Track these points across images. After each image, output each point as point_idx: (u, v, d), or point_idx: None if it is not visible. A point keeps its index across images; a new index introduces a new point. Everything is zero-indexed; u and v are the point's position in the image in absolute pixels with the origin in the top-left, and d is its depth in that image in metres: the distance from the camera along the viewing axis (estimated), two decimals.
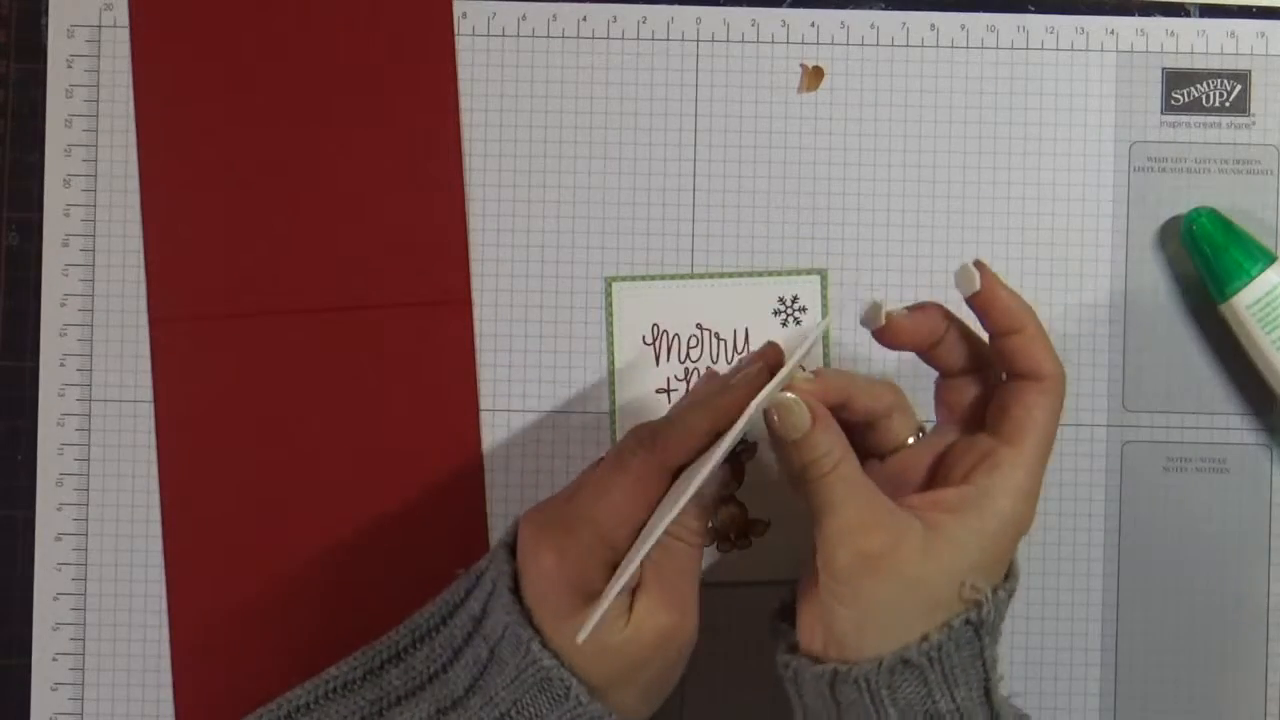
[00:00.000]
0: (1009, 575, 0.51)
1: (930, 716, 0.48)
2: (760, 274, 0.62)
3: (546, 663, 0.49)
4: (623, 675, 0.50)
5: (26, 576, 0.62)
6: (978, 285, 0.50)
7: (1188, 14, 0.62)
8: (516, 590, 0.51)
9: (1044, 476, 0.50)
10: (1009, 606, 0.50)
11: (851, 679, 0.48)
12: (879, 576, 0.48)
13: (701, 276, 0.62)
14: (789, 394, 0.49)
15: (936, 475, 0.51)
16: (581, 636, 0.46)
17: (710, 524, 0.53)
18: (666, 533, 0.49)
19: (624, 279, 0.62)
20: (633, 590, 0.51)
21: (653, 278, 0.62)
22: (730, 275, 0.62)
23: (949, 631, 0.48)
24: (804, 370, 0.51)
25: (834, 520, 0.49)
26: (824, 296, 0.62)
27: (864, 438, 0.53)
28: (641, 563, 0.49)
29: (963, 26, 0.62)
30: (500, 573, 0.52)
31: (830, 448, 0.49)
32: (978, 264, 0.51)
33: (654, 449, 0.50)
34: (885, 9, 0.62)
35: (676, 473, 0.51)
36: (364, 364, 0.61)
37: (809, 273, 0.62)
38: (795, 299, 0.62)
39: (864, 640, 0.48)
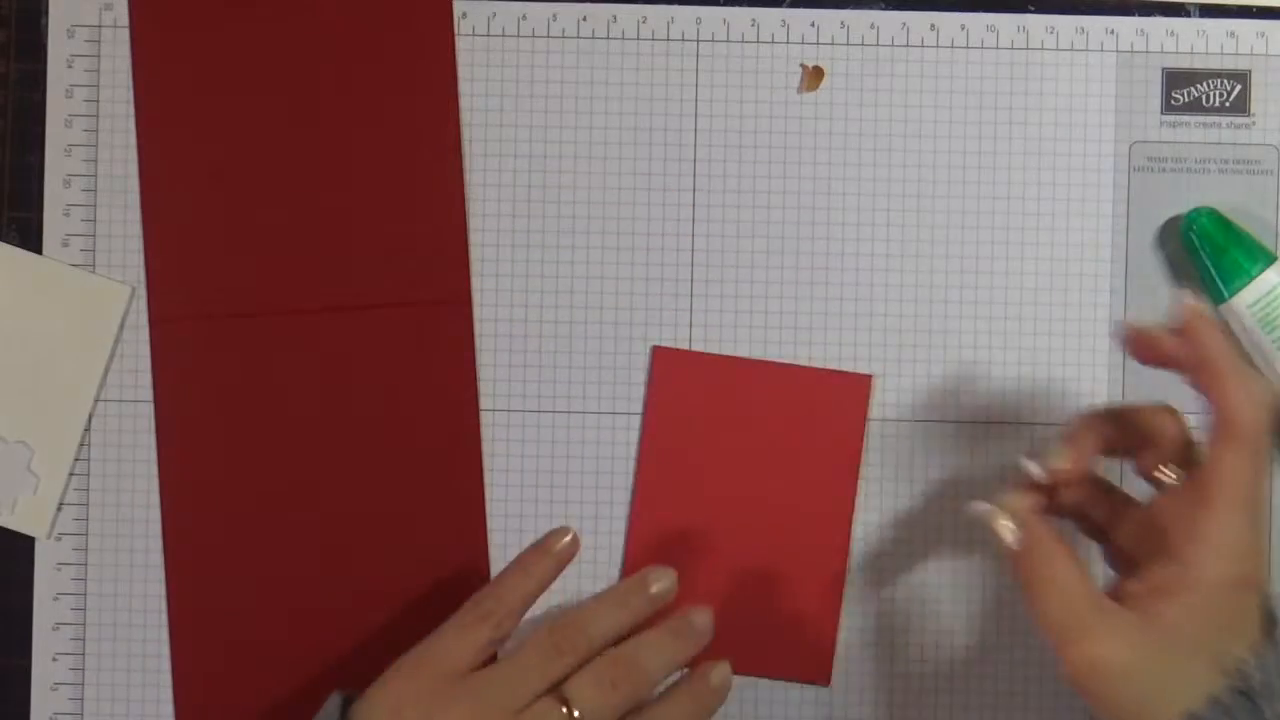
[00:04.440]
0: (1272, 631, 0.49)
1: None
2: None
3: None
4: None
5: (26, 576, 0.62)
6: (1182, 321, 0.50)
7: (1188, 14, 0.62)
8: None
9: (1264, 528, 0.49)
10: None
11: None
12: (1108, 683, 0.48)
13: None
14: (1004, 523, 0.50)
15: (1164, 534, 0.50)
16: None
17: None
18: None
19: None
20: None
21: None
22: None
23: (1216, 705, 0.47)
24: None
25: (1044, 625, 0.49)
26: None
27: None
28: None
29: (963, 26, 0.62)
30: None
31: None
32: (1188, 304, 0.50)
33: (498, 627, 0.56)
34: (885, 9, 0.62)
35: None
36: (364, 364, 0.61)
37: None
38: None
39: None
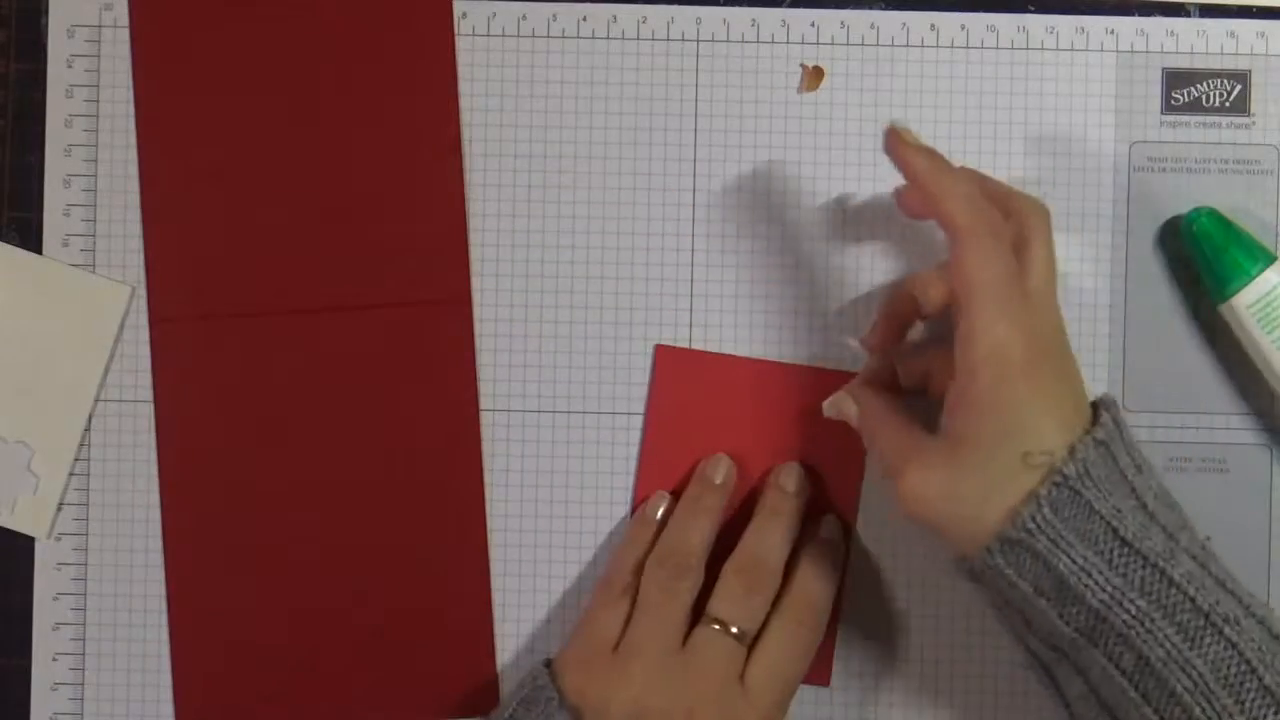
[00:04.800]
0: (1097, 418, 0.50)
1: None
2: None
3: None
4: None
5: (26, 576, 0.62)
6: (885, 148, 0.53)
7: (1188, 14, 0.62)
8: None
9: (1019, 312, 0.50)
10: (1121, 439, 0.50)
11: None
12: (932, 506, 0.51)
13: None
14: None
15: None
16: None
17: None
18: None
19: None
20: None
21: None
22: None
23: (1033, 499, 0.48)
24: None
25: (882, 473, 0.54)
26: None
27: None
28: None
29: (963, 26, 0.62)
30: None
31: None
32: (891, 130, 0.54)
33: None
34: (885, 9, 0.62)
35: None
36: (364, 364, 0.61)
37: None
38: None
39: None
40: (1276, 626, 0.49)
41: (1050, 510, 0.48)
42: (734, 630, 0.56)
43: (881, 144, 0.54)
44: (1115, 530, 0.48)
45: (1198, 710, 0.47)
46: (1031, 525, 0.48)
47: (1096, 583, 0.48)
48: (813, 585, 0.58)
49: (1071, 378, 0.52)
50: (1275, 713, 0.47)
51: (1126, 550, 0.48)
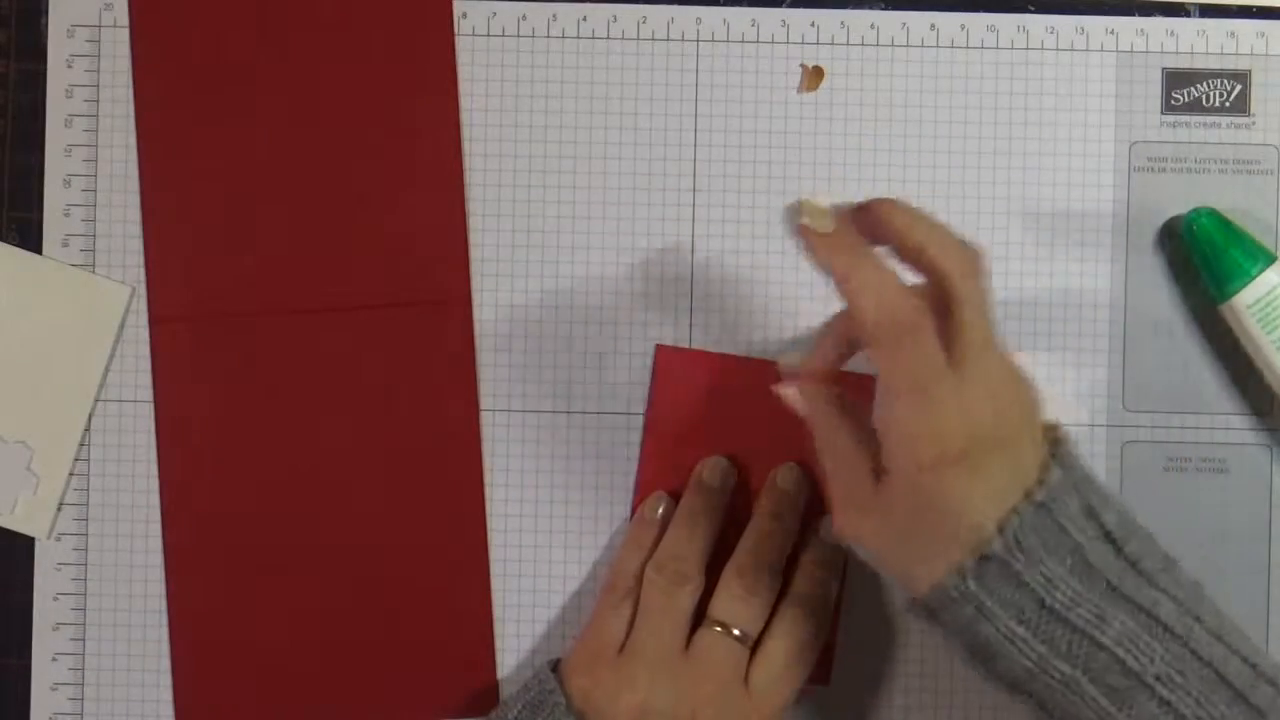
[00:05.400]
0: (1043, 478, 0.49)
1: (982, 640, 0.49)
2: None
3: None
4: None
5: (26, 576, 0.62)
6: (830, 225, 0.50)
7: (1188, 14, 0.62)
8: None
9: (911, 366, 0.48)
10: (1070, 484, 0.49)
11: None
12: (869, 556, 0.52)
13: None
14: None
15: None
16: None
17: None
18: None
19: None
20: None
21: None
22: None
23: (958, 572, 0.48)
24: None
25: (828, 491, 0.54)
26: None
27: None
28: None
29: (963, 26, 0.62)
30: None
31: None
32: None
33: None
34: (885, 9, 0.62)
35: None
36: (364, 364, 0.61)
37: None
38: None
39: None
40: (1231, 666, 0.48)
41: (975, 582, 0.48)
42: (736, 632, 0.56)
43: (791, 227, 0.51)
44: (1042, 601, 0.48)
45: None
46: (955, 594, 0.48)
47: (1020, 650, 0.48)
48: (814, 585, 0.58)
49: (1012, 441, 0.49)
50: None
51: (1053, 618, 0.48)
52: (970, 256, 0.49)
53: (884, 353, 0.48)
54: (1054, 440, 0.50)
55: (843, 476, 0.52)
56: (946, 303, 0.49)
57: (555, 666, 0.58)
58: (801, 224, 0.50)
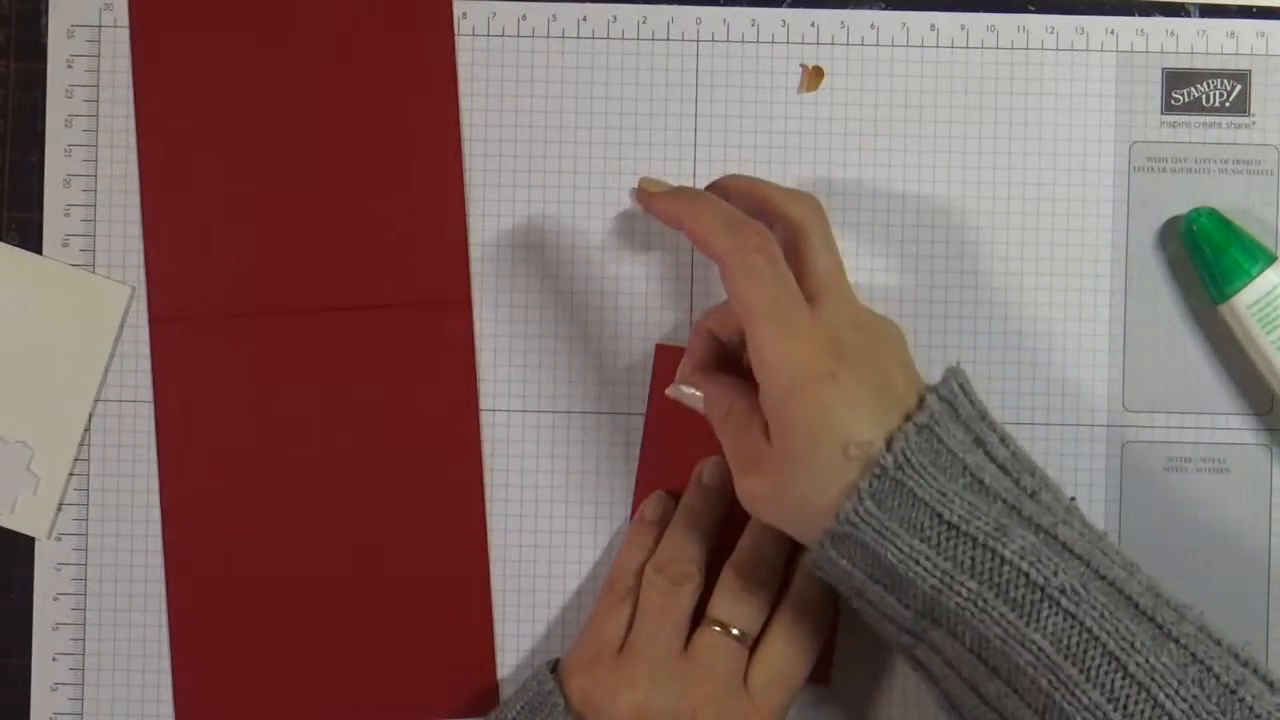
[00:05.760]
0: (922, 403, 0.50)
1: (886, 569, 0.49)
2: None
3: None
4: None
5: (26, 576, 0.62)
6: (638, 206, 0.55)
7: (1188, 14, 0.62)
8: None
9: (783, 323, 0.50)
10: (959, 410, 0.50)
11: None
12: (764, 507, 0.53)
13: None
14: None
15: None
16: None
17: None
18: None
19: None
20: None
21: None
22: None
23: (853, 493, 0.48)
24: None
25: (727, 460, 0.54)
26: None
27: None
28: None
29: (963, 26, 0.62)
30: None
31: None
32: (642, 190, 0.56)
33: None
34: (885, 9, 0.62)
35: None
36: (364, 364, 0.61)
37: None
38: None
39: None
40: (1134, 586, 0.48)
41: (872, 502, 0.48)
42: (735, 632, 0.56)
43: (637, 203, 0.55)
44: (940, 515, 0.48)
45: (1043, 682, 0.47)
46: (855, 518, 0.48)
47: (925, 569, 0.48)
48: (812, 584, 0.58)
49: (882, 365, 0.51)
50: (1122, 677, 0.46)
51: (953, 533, 0.48)
52: (813, 202, 0.54)
53: (739, 279, 0.51)
54: (941, 383, 0.51)
55: (735, 438, 0.53)
56: (796, 242, 0.52)
57: (555, 667, 0.58)
58: (640, 187, 0.56)
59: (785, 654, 0.57)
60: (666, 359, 0.62)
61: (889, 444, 0.49)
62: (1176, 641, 0.47)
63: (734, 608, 0.57)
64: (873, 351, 0.51)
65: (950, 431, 0.50)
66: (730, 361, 0.58)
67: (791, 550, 0.58)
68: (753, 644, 0.57)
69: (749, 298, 0.50)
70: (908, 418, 0.50)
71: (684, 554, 0.58)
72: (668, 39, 0.62)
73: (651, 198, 0.56)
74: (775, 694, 0.56)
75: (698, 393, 0.56)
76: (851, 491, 0.49)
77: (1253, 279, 0.59)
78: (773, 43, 0.62)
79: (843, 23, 0.62)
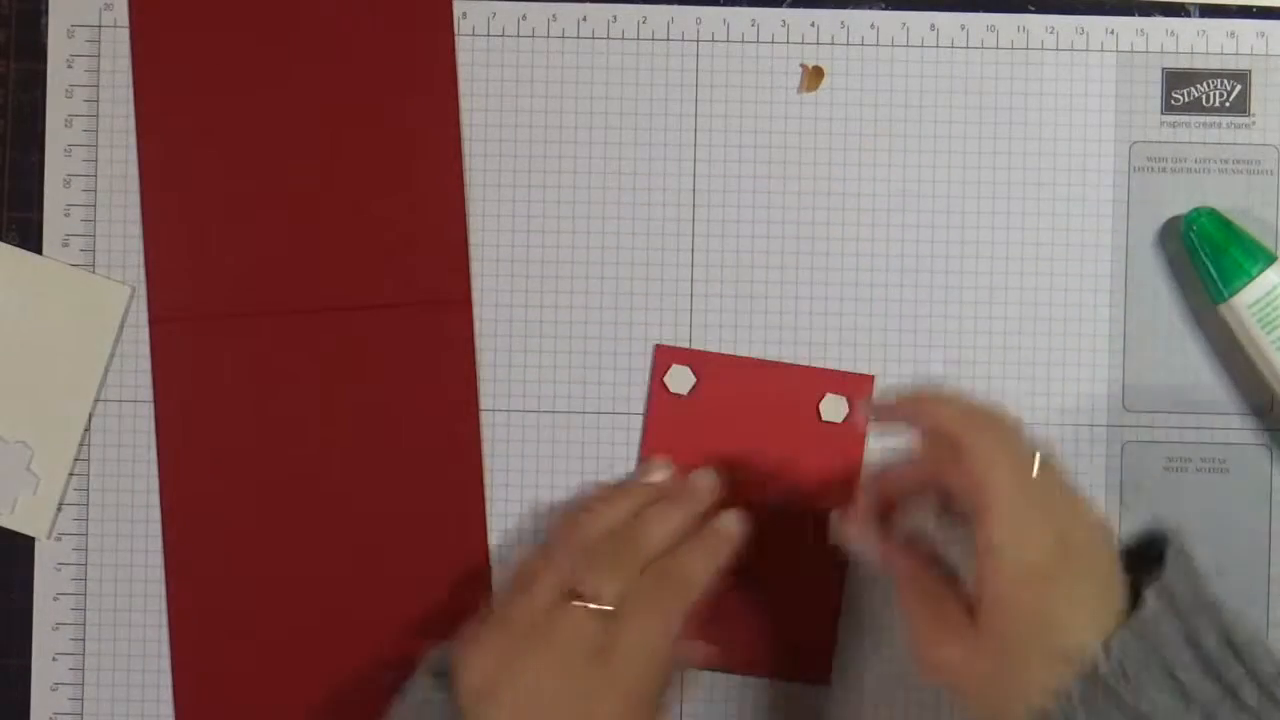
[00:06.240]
0: (1139, 599, 0.49)
1: None
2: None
3: None
4: None
5: (26, 576, 0.62)
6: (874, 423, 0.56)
7: (1188, 14, 0.62)
8: None
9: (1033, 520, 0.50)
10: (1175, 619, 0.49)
11: None
12: (957, 687, 0.51)
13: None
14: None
15: None
16: None
17: None
18: None
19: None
20: None
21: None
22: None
23: (1061, 696, 0.48)
24: None
25: (908, 630, 0.53)
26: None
27: None
28: None
29: (963, 26, 0.62)
30: None
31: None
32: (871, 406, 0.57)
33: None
34: (885, 9, 0.62)
35: None
36: (364, 364, 0.61)
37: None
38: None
39: None
40: None
41: (1083, 708, 0.48)
42: (594, 606, 0.54)
43: (900, 412, 0.54)
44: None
45: None
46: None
47: None
48: (686, 557, 0.56)
49: (1100, 569, 0.50)
50: None
51: None
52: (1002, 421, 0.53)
53: (980, 461, 0.50)
54: (1167, 571, 0.50)
55: (924, 604, 0.52)
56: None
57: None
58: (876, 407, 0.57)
59: (643, 622, 0.54)
60: (666, 360, 0.62)
61: (1106, 649, 0.48)
62: None
63: (596, 579, 0.54)
64: (1095, 550, 0.51)
65: (1164, 634, 0.48)
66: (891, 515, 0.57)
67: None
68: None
69: (989, 479, 0.50)
70: (1121, 624, 0.49)
71: (589, 531, 0.57)
72: (668, 39, 0.62)
73: (884, 410, 0.56)
74: (634, 667, 0.54)
75: (872, 546, 0.55)
76: (1063, 695, 0.48)
77: (1253, 279, 0.59)
78: (773, 43, 0.62)
79: (843, 23, 0.62)
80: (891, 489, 0.56)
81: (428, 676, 0.54)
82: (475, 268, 0.62)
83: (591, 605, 0.54)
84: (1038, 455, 0.51)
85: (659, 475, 0.60)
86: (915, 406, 0.54)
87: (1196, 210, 0.60)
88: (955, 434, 0.51)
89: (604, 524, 0.57)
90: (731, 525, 0.58)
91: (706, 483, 0.59)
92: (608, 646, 0.53)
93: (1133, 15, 0.62)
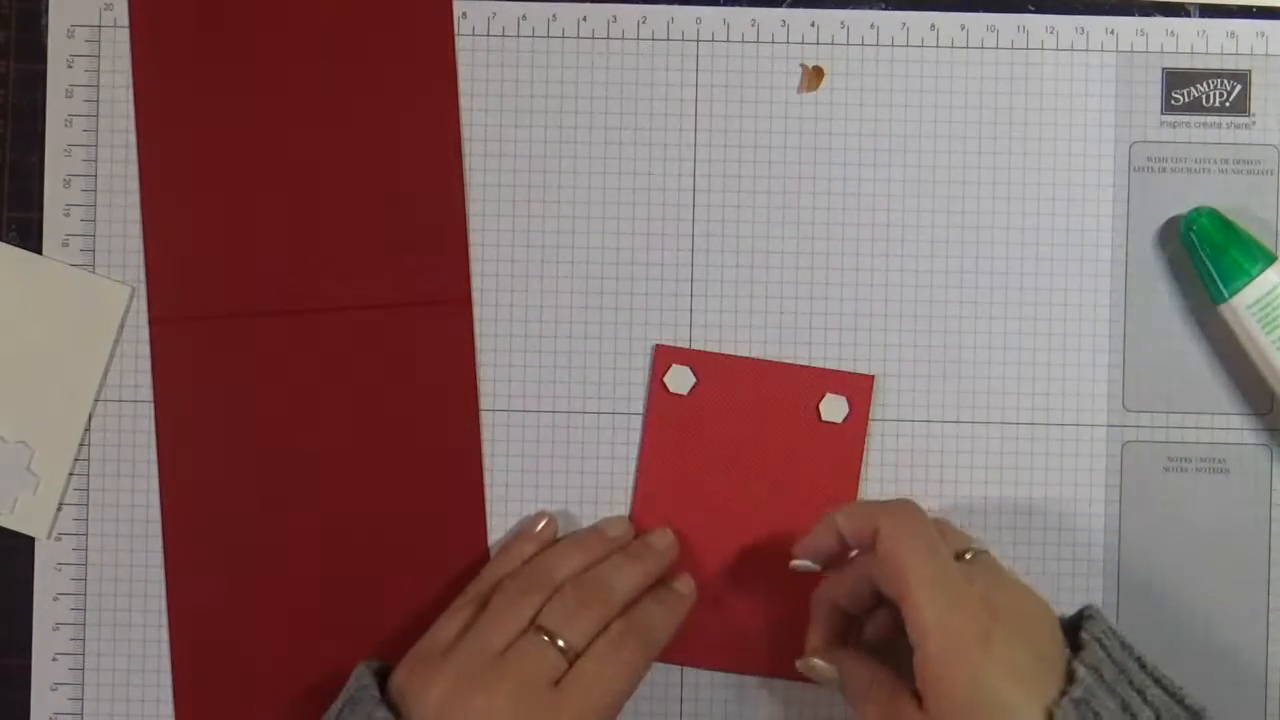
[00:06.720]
0: (1072, 679, 0.50)
1: None
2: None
3: None
4: None
5: (26, 576, 0.62)
6: (818, 566, 0.57)
7: (1188, 14, 0.62)
8: None
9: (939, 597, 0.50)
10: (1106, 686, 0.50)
11: None
12: None
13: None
14: None
15: None
16: None
17: None
18: None
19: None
20: None
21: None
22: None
23: None
24: None
25: None
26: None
27: None
28: None
29: (963, 26, 0.62)
30: None
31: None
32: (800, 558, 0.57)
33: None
34: (885, 9, 0.62)
35: None
36: (364, 364, 0.61)
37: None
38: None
39: None
40: None
41: None
42: (560, 643, 0.55)
43: (821, 537, 0.56)
44: None
45: None
46: None
47: None
48: (649, 612, 0.58)
49: (1037, 637, 0.51)
50: None
51: None
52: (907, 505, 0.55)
53: (896, 546, 0.52)
54: (1086, 650, 0.51)
55: (884, 707, 0.53)
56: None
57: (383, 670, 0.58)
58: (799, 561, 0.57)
59: (601, 669, 0.56)
60: (666, 360, 0.62)
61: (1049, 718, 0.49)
62: None
63: (563, 619, 0.56)
64: (1030, 619, 0.52)
65: (1102, 702, 0.49)
66: (848, 632, 0.58)
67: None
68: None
69: (903, 554, 0.51)
70: (1062, 692, 0.49)
71: (548, 572, 0.58)
72: (668, 39, 0.62)
73: (809, 546, 0.57)
74: (591, 698, 0.55)
75: (830, 667, 0.56)
76: None
77: (1253, 279, 0.59)
78: (773, 43, 0.62)
79: (843, 23, 0.62)
80: (838, 598, 0.57)
81: (371, 702, 0.55)
82: (475, 268, 0.62)
83: (560, 643, 0.55)
84: (973, 543, 0.54)
85: (617, 531, 0.61)
86: (828, 523, 0.56)
87: (1196, 210, 0.60)
88: (871, 525, 0.53)
89: (569, 568, 0.58)
90: (686, 589, 0.60)
91: (665, 543, 0.60)
92: (568, 679, 0.55)
93: (1133, 15, 0.62)
